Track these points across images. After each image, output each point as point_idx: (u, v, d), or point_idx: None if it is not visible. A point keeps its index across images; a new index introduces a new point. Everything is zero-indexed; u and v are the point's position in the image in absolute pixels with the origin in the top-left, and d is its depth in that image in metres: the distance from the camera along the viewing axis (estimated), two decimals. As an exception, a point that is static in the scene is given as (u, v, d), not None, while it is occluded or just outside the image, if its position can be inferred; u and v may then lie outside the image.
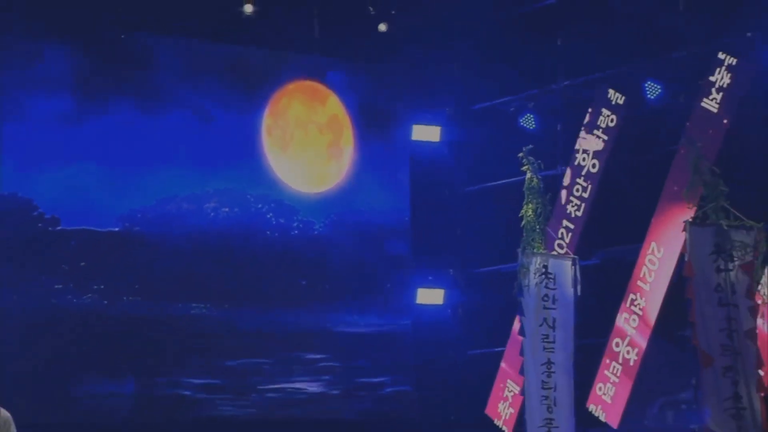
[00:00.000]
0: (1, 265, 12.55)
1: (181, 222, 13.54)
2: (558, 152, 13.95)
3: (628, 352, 13.19)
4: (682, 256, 11.66)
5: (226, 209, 13.88)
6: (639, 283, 13.24)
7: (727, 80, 12.68)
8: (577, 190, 13.96)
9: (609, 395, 13.23)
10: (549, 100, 14.70)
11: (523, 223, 12.26)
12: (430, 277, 15.20)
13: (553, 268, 12.13)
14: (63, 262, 12.89)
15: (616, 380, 13.23)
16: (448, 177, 15.45)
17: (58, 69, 12.88)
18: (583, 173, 14.01)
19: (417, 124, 15.24)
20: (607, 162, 13.97)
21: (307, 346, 14.25)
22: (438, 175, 15.37)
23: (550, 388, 11.98)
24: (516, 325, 14.17)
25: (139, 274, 13.25)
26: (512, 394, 14.14)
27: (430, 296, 15.18)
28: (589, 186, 13.94)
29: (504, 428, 14.13)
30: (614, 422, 13.24)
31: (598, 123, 14.01)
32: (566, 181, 13.95)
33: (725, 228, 11.01)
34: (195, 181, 13.66)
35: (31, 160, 12.79)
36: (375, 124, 14.99)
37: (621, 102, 13.86)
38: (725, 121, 12.53)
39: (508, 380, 14.20)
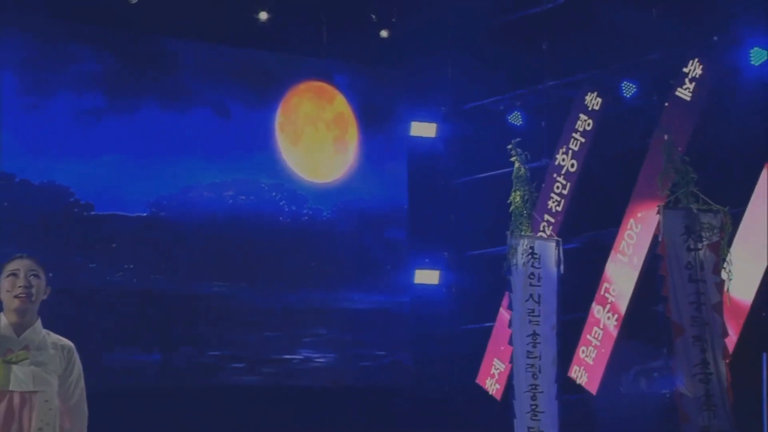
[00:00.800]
0: (41, 247, 12.57)
1: (202, 208, 13.61)
2: (543, 146, 13.96)
3: (608, 318, 13.30)
4: (656, 236, 11.84)
5: (243, 197, 13.96)
6: (618, 256, 13.34)
7: (698, 71, 12.80)
8: (557, 187, 14.09)
9: (591, 357, 13.32)
10: (534, 99, 14.78)
11: (511, 208, 12.33)
12: (426, 260, 15.27)
13: (538, 249, 12.23)
14: (96, 244, 13.02)
15: (597, 343, 13.33)
16: (442, 169, 15.49)
17: (91, 70, 12.98)
18: (563, 171, 14.13)
19: (415, 121, 15.29)
20: (585, 159, 14.10)
21: (315, 321, 14.35)
22: (433, 168, 15.41)
23: (536, 357, 12.07)
24: (504, 303, 14.38)
25: (164, 255, 13.36)
26: (498, 371, 14.25)
27: (427, 277, 15.26)
28: (568, 184, 14.07)
29: (493, 396, 14.27)
30: (593, 388, 13.37)
31: (577, 127, 14.14)
32: (548, 179, 14.07)
33: (695, 211, 11.12)
34: (215, 171, 13.73)
35: (67, 151, 12.86)
36: (377, 121, 15.06)
37: (597, 108, 13.97)
38: (697, 110, 12.66)
39: (495, 359, 14.31)
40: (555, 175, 14.07)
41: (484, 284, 14.92)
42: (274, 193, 14.16)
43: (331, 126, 14.83)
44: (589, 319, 13.42)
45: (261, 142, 14.18)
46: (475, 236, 15.20)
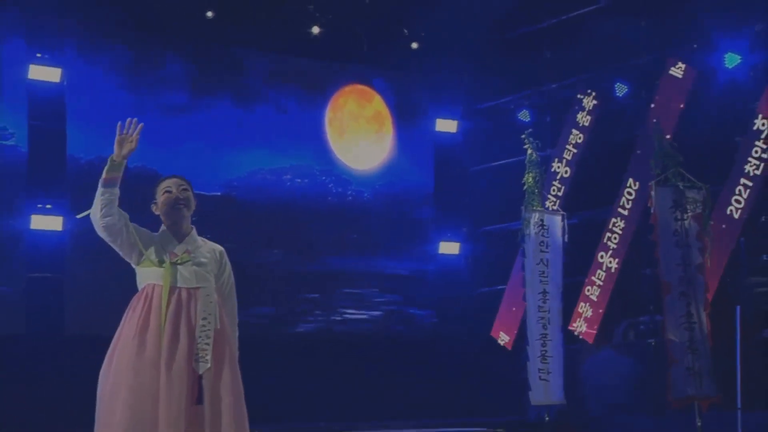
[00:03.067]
0: (134, 220, 12.58)
1: (265, 189, 13.65)
2: (547, 139, 13.87)
3: (603, 279, 13.29)
4: (646, 209, 11.83)
5: (299, 180, 13.98)
6: (612, 228, 13.30)
7: (680, 73, 12.76)
8: (561, 172, 14.08)
9: (588, 313, 13.32)
10: (539, 99, 14.71)
11: (525, 187, 12.32)
12: (448, 234, 15.30)
13: (547, 222, 12.24)
14: (180, 218, 13.03)
15: (594, 301, 13.31)
16: (462, 158, 15.43)
17: (177, 73, 13.03)
18: (565, 159, 14.13)
19: (439, 118, 15.30)
20: (583, 149, 14.08)
21: (358, 283, 14.38)
22: (455, 157, 15.36)
23: (545, 311, 12.08)
24: (514, 270, 14.38)
25: (234, 227, 13.27)
26: (509, 326, 14.22)
27: (449, 248, 15.29)
28: (569, 169, 14.07)
29: (505, 346, 14.28)
30: (590, 338, 13.38)
31: (576, 122, 14.13)
32: (554, 166, 14.03)
33: (681, 188, 11.13)
34: (276, 158, 13.76)
35: (156, 140, 12.77)
36: (408, 118, 15.06)
37: (593, 106, 13.93)
38: (680, 104, 12.63)
39: (506, 316, 14.28)
40: (560, 160, 14.04)
41: (495, 254, 15.00)
42: (324, 178, 14.18)
43: (370, 122, 14.84)
44: (588, 281, 13.41)
45: (313, 135, 14.19)
46: (489, 214, 15.19)
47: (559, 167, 14.08)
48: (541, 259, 12.13)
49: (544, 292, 12.06)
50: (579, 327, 13.25)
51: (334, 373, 13.37)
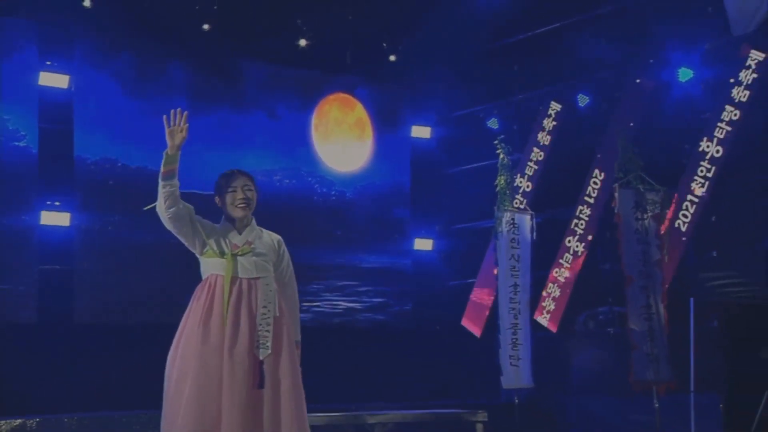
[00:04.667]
0: (138, 218, 12.41)
1: (258, 188, 13.52)
2: (514, 145, 13.84)
3: (566, 273, 13.34)
4: (612, 209, 11.88)
5: (287, 180, 13.91)
6: (575, 226, 13.36)
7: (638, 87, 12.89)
8: (528, 175, 14.12)
9: (552, 304, 13.37)
10: (508, 108, 14.74)
11: (497, 189, 12.34)
12: (423, 231, 15.29)
13: (517, 220, 12.27)
14: (179, 215, 12.92)
15: (558, 293, 13.36)
16: (436, 162, 15.42)
17: (176, 81, 12.90)
18: (532, 163, 14.17)
19: (415, 125, 15.29)
20: (548, 154, 14.13)
21: (340, 276, 14.30)
22: (429, 161, 15.34)
23: (516, 303, 12.11)
24: (483, 265, 14.40)
25: (230, 223, 13.23)
26: (479, 316, 14.22)
27: (424, 244, 15.28)
28: (536, 173, 14.11)
29: (474, 334, 14.29)
30: (554, 328, 13.42)
31: (542, 129, 14.18)
32: (520, 169, 14.05)
33: (642, 190, 11.20)
34: (267, 160, 13.66)
35: (157, 143, 12.53)
36: (386, 125, 15.00)
37: (558, 115, 13.99)
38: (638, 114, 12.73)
39: (476, 306, 14.28)
40: (528, 161, 14.09)
41: (466, 250, 15.04)
42: (310, 179, 14.10)
43: (352, 127, 14.77)
44: (552, 275, 13.46)
45: (301, 139, 14.12)
46: (460, 213, 15.22)
47: (526, 171, 14.10)
48: (512, 255, 12.16)
49: (515, 285, 12.09)
50: (544, 317, 13.25)
51: (318, 359, 13.21)
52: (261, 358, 4.45)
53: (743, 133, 11.88)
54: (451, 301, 14.75)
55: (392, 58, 14.78)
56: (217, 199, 4.86)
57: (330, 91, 14.52)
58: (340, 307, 14.25)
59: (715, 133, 11.99)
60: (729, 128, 11.94)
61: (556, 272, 13.34)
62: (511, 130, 14.37)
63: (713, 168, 11.95)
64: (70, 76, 12.11)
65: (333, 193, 14.47)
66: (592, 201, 13.15)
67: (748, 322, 12.19)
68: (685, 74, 12.39)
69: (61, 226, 11.92)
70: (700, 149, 12.03)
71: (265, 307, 4.58)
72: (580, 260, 13.20)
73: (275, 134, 13.82)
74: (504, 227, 12.15)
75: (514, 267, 12.15)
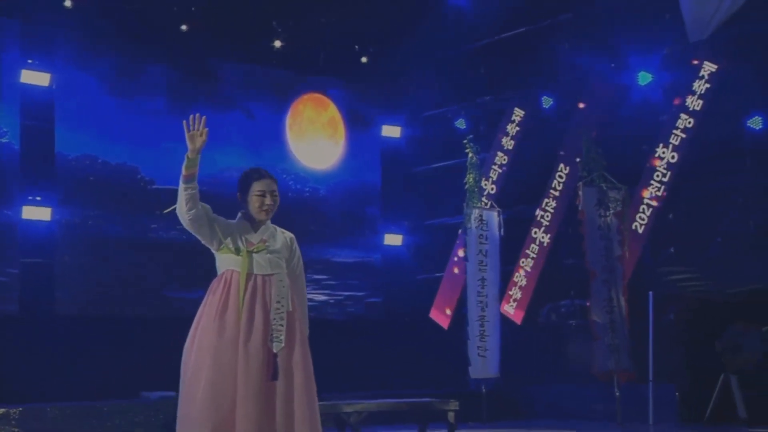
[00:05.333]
0: (115, 211, 12.48)
1: (234, 185, 13.17)
2: (482, 145, 13.86)
3: (531, 268, 13.41)
4: (573, 207, 11.98)
5: (263, 177, 13.85)
6: (539, 222, 13.44)
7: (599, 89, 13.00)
8: (494, 174, 14.16)
9: (517, 297, 13.43)
10: (475, 109, 14.77)
11: (466, 187, 12.45)
12: (393, 227, 15.28)
13: (486, 217, 12.41)
14: (156, 209, 12.69)
15: (523, 286, 13.42)
16: (405, 160, 15.40)
17: (157, 80, 12.80)
18: (498, 163, 14.22)
19: (385, 125, 15.27)
20: (513, 154, 14.18)
21: (314, 270, 14.22)
22: (399, 159, 15.32)
23: (484, 296, 12.23)
24: (452, 259, 14.43)
25: (207, 218, 13.14)
26: (446, 308, 14.25)
27: (393, 239, 15.28)
28: (502, 171, 14.14)
29: (441, 326, 14.32)
30: (518, 320, 13.48)
31: (507, 130, 14.24)
32: (487, 167, 14.07)
33: (604, 188, 11.36)
34: (244, 158, 13.42)
35: (136, 140, 12.68)
36: (358, 124, 14.98)
37: (522, 116, 14.07)
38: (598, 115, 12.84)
39: (444, 299, 14.27)
40: (493, 165, 14.15)
41: (434, 245, 15.06)
42: (284, 176, 13.99)
43: (325, 127, 14.73)
44: (517, 269, 13.52)
45: (276, 138, 14.05)
46: (428, 210, 15.28)
47: (492, 169, 14.15)
48: (481, 250, 12.27)
49: (483, 279, 12.20)
50: (509, 309, 13.32)
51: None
52: (275, 351, 4.44)
53: (697, 140, 12.04)
54: (420, 294, 14.76)
55: (364, 60, 14.78)
56: (239, 196, 4.83)
57: (304, 91, 14.46)
58: (315, 300, 14.17)
59: (671, 140, 12.14)
60: (684, 135, 12.10)
61: (523, 262, 13.42)
62: (478, 131, 14.43)
63: (669, 173, 12.08)
64: (52, 75, 12.00)
65: (307, 189, 14.43)
66: (557, 194, 13.23)
67: (703, 316, 12.38)
68: (644, 78, 12.52)
69: (42, 221, 11.82)
70: (657, 155, 12.17)
71: (278, 302, 4.57)
72: (546, 250, 13.27)
73: (251, 133, 13.76)
74: (473, 223, 12.24)
75: (482, 262, 12.24)
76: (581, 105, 13.20)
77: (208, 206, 4.76)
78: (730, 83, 11.97)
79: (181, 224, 13.20)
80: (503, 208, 13.00)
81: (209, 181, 13.11)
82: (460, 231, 12.94)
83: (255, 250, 4.65)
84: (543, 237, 13.31)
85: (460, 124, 14.84)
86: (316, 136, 14.58)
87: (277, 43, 13.84)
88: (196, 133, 4.69)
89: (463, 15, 14.37)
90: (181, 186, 4.65)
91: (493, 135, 14.32)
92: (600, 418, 11.85)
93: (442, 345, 13.65)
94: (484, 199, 13.27)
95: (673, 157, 12.07)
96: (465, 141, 12.40)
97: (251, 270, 4.58)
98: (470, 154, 12.34)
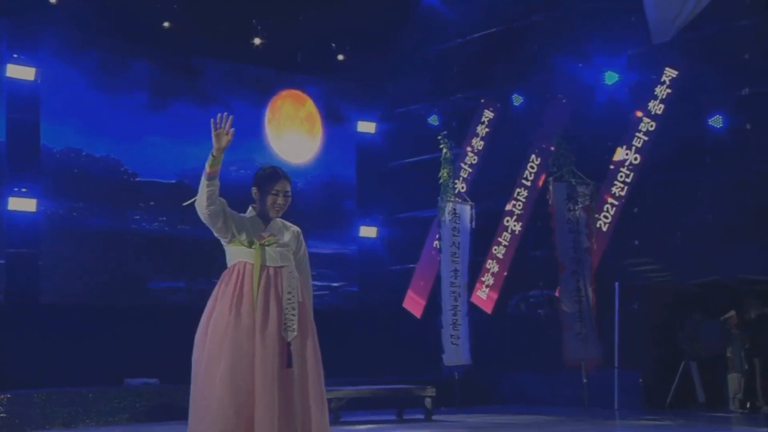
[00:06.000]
0: (100, 204, 12.37)
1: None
2: (454, 140, 13.94)
3: (501, 260, 13.48)
4: (543, 201, 12.07)
5: (243, 171, 13.54)
6: (510, 216, 13.50)
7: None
8: (466, 168, 14.21)
9: (488, 287, 13.50)
10: (447, 107, 14.80)
11: (441, 181, 12.45)
12: (367, 219, 15.26)
13: (459, 210, 12.43)
14: (139, 202, 12.73)
15: (493, 278, 13.49)
16: (379, 156, 15.39)
17: (140, 76, 12.70)
18: (470, 158, 14.28)
19: (360, 120, 15.25)
20: (485, 149, 14.24)
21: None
22: (373, 154, 15.31)
23: (456, 286, 12.26)
24: (424, 251, 14.48)
25: (188, 210, 12.99)
26: (418, 298, 14.28)
27: (368, 231, 15.28)
28: (474, 166, 14.22)
29: (414, 314, 14.38)
30: (489, 309, 13.56)
31: (479, 128, 14.30)
32: (459, 162, 14.12)
33: (573, 184, 11.47)
34: (225, 152, 13.53)
35: (120, 134, 12.58)
36: (335, 120, 14.95)
37: (494, 113, 14.13)
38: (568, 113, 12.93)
39: (416, 290, 14.35)
40: (465, 159, 14.19)
41: (407, 238, 15.07)
42: None
43: (303, 122, 14.69)
44: (488, 260, 13.59)
45: (255, 133, 13.98)
46: (402, 203, 15.25)
47: (465, 163, 14.20)
48: (454, 242, 12.29)
49: (456, 270, 12.23)
50: (480, 299, 13.37)
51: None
52: (288, 340, 4.45)
53: (659, 141, 12.15)
54: (394, 284, 14.79)
55: (340, 57, 14.75)
56: (254, 191, 4.84)
57: (282, 88, 14.41)
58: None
59: (634, 142, 12.26)
60: (646, 138, 12.23)
61: (495, 249, 13.49)
62: (451, 127, 14.40)
63: (631, 174, 12.19)
64: (37, 69, 11.85)
65: (285, 183, 14.34)
66: (529, 184, 13.31)
67: (665, 306, 12.55)
68: (611, 77, 12.61)
69: (27, 212, 11.70)
70: (620, 156, 12.27)
71: (290, 292, 4.58)
72: (518, 238, 13.34)
73: (232, 127, 13.65)
74: (447, 217, 12.27)
75: (455, 254, 12.28)
76: (551, 103, 13.25)
77: (224, 200, 4.77)
78: (693, 83, 12.11)
79: (164, 217, 13.19)
80: (474, 201, 13.06)
81: (190, 174, 13.14)
82: (434, 224, 12.97)
83: (266, 243, 4.65)
84: (515, 225, 13.38)
85: (433, 120, 14.85)
86: (294, 132, 14.53)
87: (257, 41, 13.80)
88: (222, 131, 4.68)
89: (437, 16, 14.41)
90: (203, 182, 4.66)
91: (465, 131, 14.37)
92: (567, 404, 11.95)
93: (416, 334, 13.69)
94: (457, 192, 13.35)
95: (635, 159, 12.19)
96: (439, 137, 12.41)
97: (263, 262, 4.58)
98: (444, 150, 12.36)
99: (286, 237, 4.74)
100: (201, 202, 4.62)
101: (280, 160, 14.26)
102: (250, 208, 4.80)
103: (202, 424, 4.34)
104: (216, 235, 4.71)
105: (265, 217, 4.74)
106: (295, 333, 4.47)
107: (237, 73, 13.85)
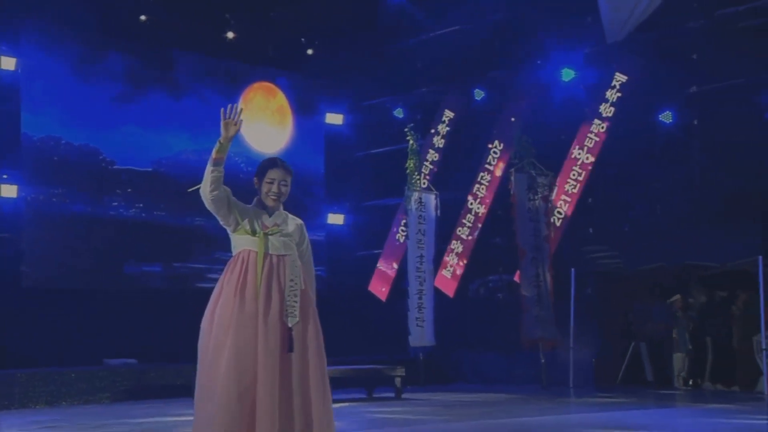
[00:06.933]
0: (79, 191, 12.26)
1: (189, 166, 13.12)
2: (417, 133, 13.98)
3: (462, 247, 13.62)
4: (503, 191, 12.21)
5: (216, 160, 13.76)
6: (471, 205, 13.61)
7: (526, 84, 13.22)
8: (431, 159, 14.29)
9: (450, 272, 13.63)
10: (412, 100, 14.89)
11: (407, 171, 12.56)
12: (335, 207, 15.31)
13: (424, 199, 12.55)
14: (117, 188, 12.63)
15: (455, 263, 13.62)
16: (347, 146, 15.39)
17: (118, 68, 12.59)
18: (434, 149, 14.37)
19: (329, 112, 15.24)
20: (448, 141, 14.34)
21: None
22: (341, 145, 15.31)
23: (422, 272, 12.39)
24: (389, 238, 14.58)
25: (164, 198, 13.00)
26: (384, 282, 14.45)
27: (336, 219, 15.31)
28: (437, 157, 14.31)
29: (380, 297, 14.49)
30: (451, 293, 13.70)
31: (443, 119, 14.39)
32: (423, 153, 14.16)
33: (533, 175, 11.62)
34: (198, 141, 13.34)
35: (98, 123, 12.46)
36: (304, 112, 14.92)
37: (457, 107, 14.24)
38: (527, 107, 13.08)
39: (381, 274, 14.50)
40: (430, 150, 14.29)
41: (372, 225, 15.16)
42: (236, 158, 13.72)
43: (274, 113, 14.63)
44: (451, 247, 13.72)
45: (229, 123, 13.95)
46: (368, 192, 15.34)
47: (429, 154, 14.29)
48: (419, 230, 12.41)
49: (421, 257, 12.35)
50: (442, 283, 13.51)
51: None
52: (290, 325, 4.47)
53: (610, 142, 12.34)
54: (359, 269, 14.86)
55: (310, 52, 14.76)
56: (255, 181, 4.87)
57: (254, 80, 14.33)
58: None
59: (586, 143, 12.45)
60: (597, 138, 12.41)
61: (459, 230, 13.62)
62: (416, 119, 14.51)
63: (583, 173, 12.38)
64: (18, 59, 11.72)
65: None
66: (489, 176, 13.46)
67: (617, 290, 12.79)
68: (567, 74, 12.77)
69: (9, 198, 11.61)
70: (573, 156, 12.45)
71: (292, 280, 4.58)
72: (481, 219, 13.48)
73: (205, 118, 13.49)
74: (413, 205, 12.37)
75: (421, 240, 12.39)
76: (512, 98, 13.38)
77: (228, 189, 4.78)
78: (644, 81, 12.31)
79: (140, 203, 13.08)
80: (439, 192, 13.17)
81: (165, 163, 13.15)
82: (400, 211, 13.05)
83: (270, 233, 4.67)
84: (479, 207, 13.51)
85: (399, 113, 14.94)
86: (265, 123, 14.48)
87: (230, 35, 13.79)
88: (230, 121, 4.68)
89: (402, 12, 14.46)
90: (209, 168, 4.66)
91: (429, 124, 14.46)
92: (524, 382, 12.14)
93: (381, 316, 13.77)
94: (422, 182, 13.45)
95: (587, 158, 12.37)
96: (406, 129, 12.50)
97: (267, 250, 4.60)
98: (411, 141, 12.45)
99: (290, 228, 4.76)
100: (205, 187, 4.63)
101: (252, 150, 14.23)
102: (255, 199, 4.83)
103: (208, 406, 4.36)
104: (221, 223, 4.72)
105: (267, 208, 4.76)
106: (297, 319, 4.49)
107: (210, 66, 13.76)
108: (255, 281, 4.50)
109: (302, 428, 4.38)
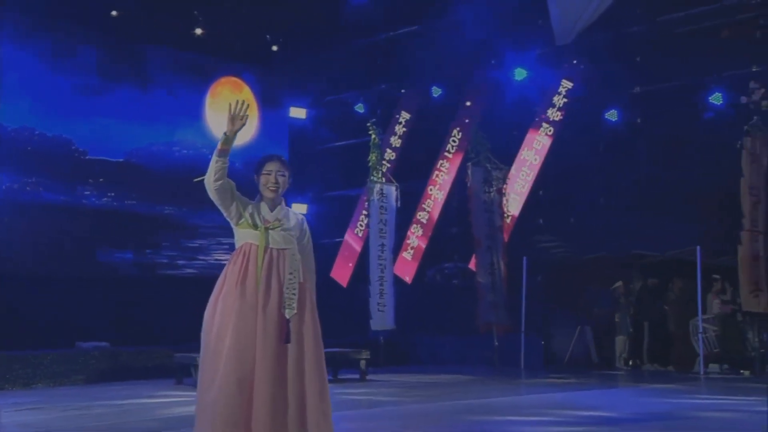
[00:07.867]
0: (53, 180, 12.11)
1: (159, 157, 13.24)
2: (378, 127, 14.02)
3: (421, 235, 13.75)
4: (458, 183, 12.34)
5: (185, 151, 13.63)
6: (429, 195, 13.75)
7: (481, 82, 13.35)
8: (389, 153, 14.39)
9: (409, 260, 13.76)
10: (373, 96, 14.97)
11: (369, 164, 12.62)
12: (299, 197, 15.19)
13: (386, 191, 12.62)
14: (89, 178, 12.50)
15: (413, 251, 13.75)
16: (309, 139, 15.41)
17: (89, 60, 12.46)
18: (393, 144, 14.46)
19: (293, 106, 15.24)
20: (406, 135, 14.45)
21: (227, 234, 14.08)
22: (304, 138, 15.31)
23: (383, 259, 12.47)
24: (350, 226, 14.65)
25: (135, 187, 12.93)
26: (345, 269, 14.52)
27: (299, 208, 14.98)
28: (396, 152, 14.43)
29: (341, 284, 14.55)
30: (409, 279, 13.84)
31: (401, 116, 14.50)
32: (384, 147, 14.22)
33: (489, 168, 11.77)
34: (169, 133, 13.37)
35: (71, 114, 12.31)
36: (269, 106, 14.90)
37: (415, 103, 14.34)
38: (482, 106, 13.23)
39: (343, 261, 14.59)
40: (389, 144, 14.37)
41: (334, 214, 15.21)
42: (204, 150, 13.74)
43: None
44: (409, 235, 13.84)
45: (197, 116, 13.84)
46: (330, 183, 15.40)
47: (388, 149, 14.38)
48: (381, 219, 12.48)
49: (383, 245, 12.43)
50: (401, 270, 13.62)
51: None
52: (288, 317, 4.49)
53: (557, 142, 12.56)
54: (322, 257, 14.66)
55: (274, 48, 14.71)
56: (255, 177, 4.89)
57: (222, 75, 14.27)
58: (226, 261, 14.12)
59: (534, 144, 12.65)
60: (545, 141, 12.62)
61: (420, 215, 13.72)
62: (376, 114, 14.57)
63: (531, 173, 12.58)
64: (-7, 52, 11.54)
65: (223, 163, 14.25)
66: (450, 156, 13.57)
67: (564, 277, 13.03)
68: (520, 74, 12.96)
69: (-17, 187, 11.41)
70: (522, 156, 12.64)
71: (291, 273, 4.58)
72: (440, 205, 13.59)
73: (174, 111, 13.51)
74: (375, 196, 12.45)
75: (382, 230, 12.48)
76: (467, 95, 13.52)
77: (232, 182, 4.80)
78: (591, 82, 12.53)
79: (112, 193, 12.96)
80: (399, 184, 13.26)
81: (137, 153, 13.06)
82: (361, 201, 13.11)
83: (271, 227, 4.69)
84: (438, 193, 13.63)
85: (359, 108, 14.99)
86: (232, 115, 14.44)
87: (198, 31, 13.67)
88: (237, 115, 4.68)
89: (363, 10, 14.46)
90: (214, 158, 4.66)
91: (389, 119, 14.53)
92: (478, 364, 12.32)
93: (342, 301, 13.81)
94: (383, 174, 13.52)
95: (536, 160, 12.58)
96: (369, 124, 12.57)
97: (267, 244, 4.62)
98: (373, 136, 12.51)
99: (291, 222, 4.79)
100: (209, 177, 4.64)
101: (217, 142, 14.17)
102: (258, 196, 4.86)
103: (210, 392, 4.39)
104: (225, 215, 4.74)
105: (269, 203, 4.80)
106: (294, 311, 4.51)
107: (179, 60, 13.67)
108: (255, 274, 4.53)
109: (297, 417, 4.41)
